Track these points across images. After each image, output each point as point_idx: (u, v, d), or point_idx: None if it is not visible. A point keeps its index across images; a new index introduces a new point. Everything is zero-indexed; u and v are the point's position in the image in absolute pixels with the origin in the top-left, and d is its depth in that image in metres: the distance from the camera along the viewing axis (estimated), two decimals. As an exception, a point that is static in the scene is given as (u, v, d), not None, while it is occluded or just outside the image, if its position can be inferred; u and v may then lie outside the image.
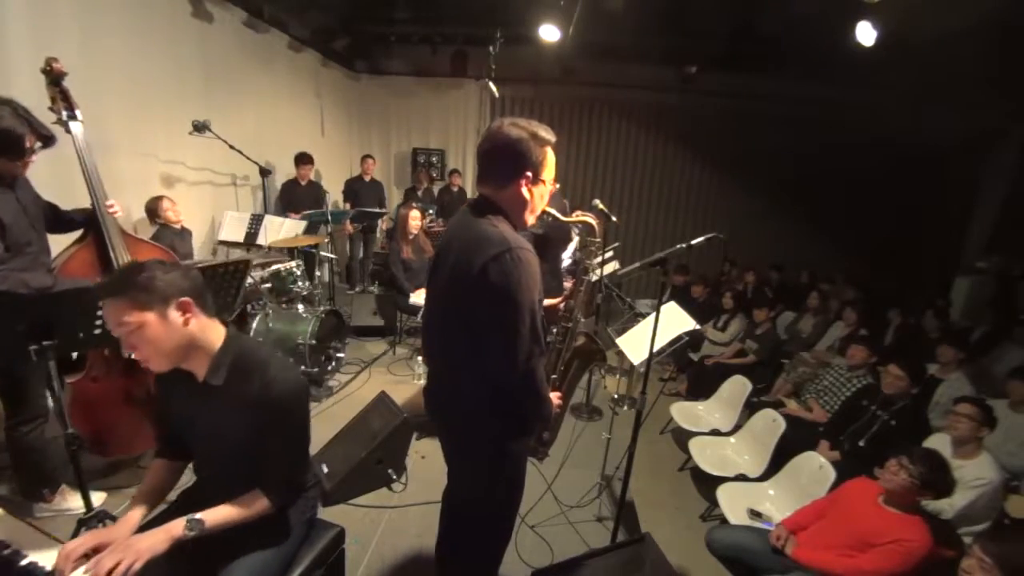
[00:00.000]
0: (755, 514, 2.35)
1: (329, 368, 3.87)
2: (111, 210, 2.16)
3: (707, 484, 2.76)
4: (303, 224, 4.49)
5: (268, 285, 3.60)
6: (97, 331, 1.72)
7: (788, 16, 4.84)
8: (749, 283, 5.69)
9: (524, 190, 1.35)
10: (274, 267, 3.69)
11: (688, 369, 4.53)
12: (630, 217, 7.35)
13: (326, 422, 3.15)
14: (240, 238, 4.29)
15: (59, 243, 2.22)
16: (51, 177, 2.50)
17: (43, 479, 2.20)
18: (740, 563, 2.03)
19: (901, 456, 1.88)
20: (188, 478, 1.51)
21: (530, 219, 1.42)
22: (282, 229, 4.34)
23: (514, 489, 1.56)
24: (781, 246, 7.21)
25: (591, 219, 1.76)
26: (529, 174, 1.33)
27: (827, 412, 3.21)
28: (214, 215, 4.53)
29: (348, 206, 6.01)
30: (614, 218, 3.25)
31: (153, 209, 3.52)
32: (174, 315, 1.20)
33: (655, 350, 2.06)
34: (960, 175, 6.58)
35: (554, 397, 1.53)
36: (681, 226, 7.44)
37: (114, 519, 1.34)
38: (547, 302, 1.87)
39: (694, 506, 2.82)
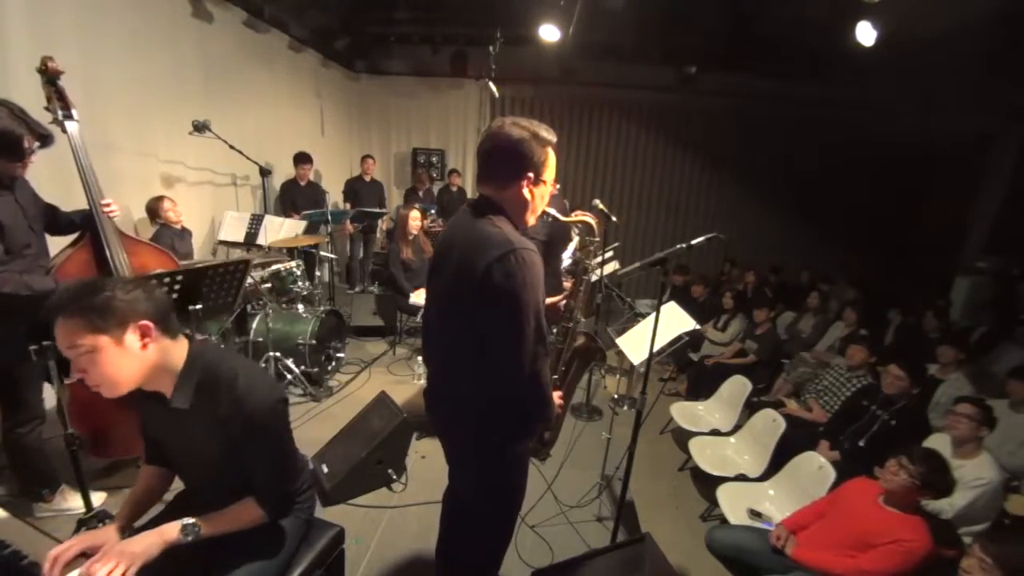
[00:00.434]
0: (755, 514, 2.35)
1: (329, 368, 3.87)
2: (108, 210, 2.15)
3: (707, 484, 2.76)
4: (303, 224, 4.49)
5: (268, 285, 3.60)
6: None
7: (788, 16, 4.84)
8: (749, 283, 5.69)
9: (525, 191, 1.34)
10: (274, 267, 3.69)
11: (688, 369, 4.53)
12: (630, 217, 7.35)
13: (326, 422, 3.16)
14: (240, 238, 4.29)
15: (56, 245, 2.22)
16: (49, 178, 2.50)
17: (42, 479, 2.20)
18: (740, 563, 2.03)
19: (901, 456, 1.88)
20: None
21: (531, 219, 1.41)
22: (282, 229, 4.34)
23: (516, 490, 1.55)
24: (781, 246, 7.22)
25: (591, 219, 1.75)
26: (531, 175, 1.32)
27: (827, 412, 3.21)
28: (214, 215, 4.53)
29: (348, 206, 6.01)
30: (614, 218, 3.26)
31: (154, 209, 3.52)
32: (131, 339, 1.11)
33: (655, 350, 2.05)
34: (960, 175, 6.57)
35: (556, 397, 1.52)
36: (681, 226, 7.44)
37: (113, 519, 1.33)
38: (548, 301, 1.88)
39: (694, 506, 2.82)
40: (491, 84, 5.87)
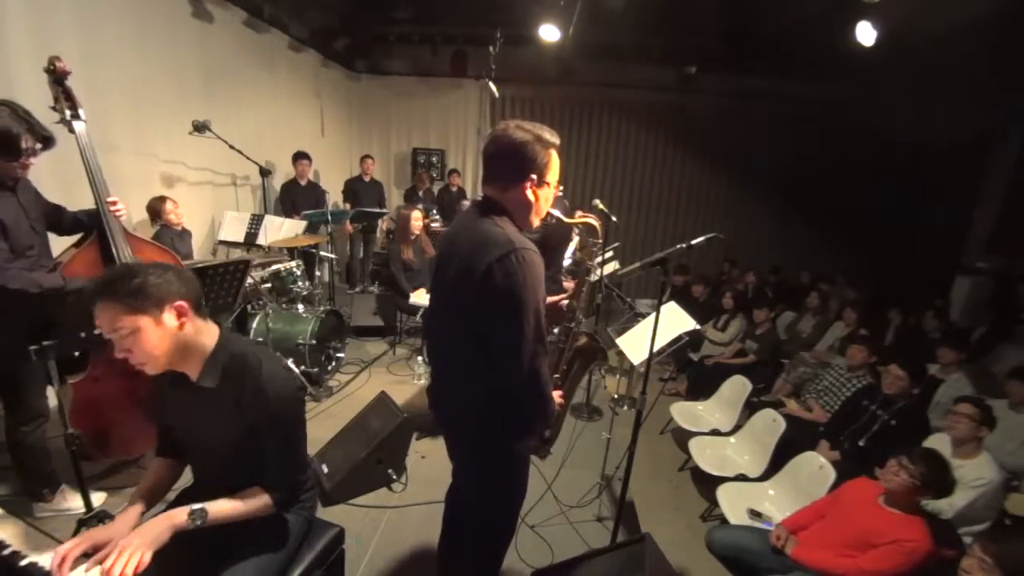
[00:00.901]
0: (755, 514, 2.35)
1: (329, 368, 3.87)
2: (114, 209, 2.15)
3: (707, 484, 2.76)
4: (303, 224, 4.49)
5: (268, 285, 3.60)
6: (98, 331, 1.72)
7: (788, 16, 4.85)
8: (749, 283, 5.69)
9: (528, 192, 1.36)
10: (274, 267, 3.69)
11: (688, 369, 4.53)
12: (630, 217, 7.34)
13: (326, 422, 3.15)
14: (240, 238, 4.29)
15: (59, 246, 2.22)
16: (54, 178, 2.51)
17: (43, 479, 2.20)
18: (740, 563, 2.03)
19: (901, 456, 1.89)
20: (187, 479, 1.51)
21: (535, 221, 1.43)
22: (282, 229, 4.34)
23: (517, 487, 1.56)
24: (781, 246, 7.22)
25: (593, 221, 1.76)
26: (534, 176, 1.34)
27: (827, 412, 3.21)
28: (214, 215, 4.53)
29: (348, 206, 6.02)
30: (614, 218, 3.26)
31: (155, 210, 3.52)
32: (169, 319, 1.18)
33: (655, 350, 2.06)
34: (960, 175, 6.57)
35: (556, 396, 1.53)
36: (681, 226, 7.44)
37: (114, 519, 1.33)
38: (549, 299, 1.88)
39: (694, 506, 2.82)
40: (491, 84, 5.88)
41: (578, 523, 2.54)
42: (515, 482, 1.54)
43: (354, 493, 2.55)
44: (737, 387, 3.42)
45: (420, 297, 3.87)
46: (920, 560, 1.72)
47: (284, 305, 3.75)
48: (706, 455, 2.89)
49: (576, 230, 4.04)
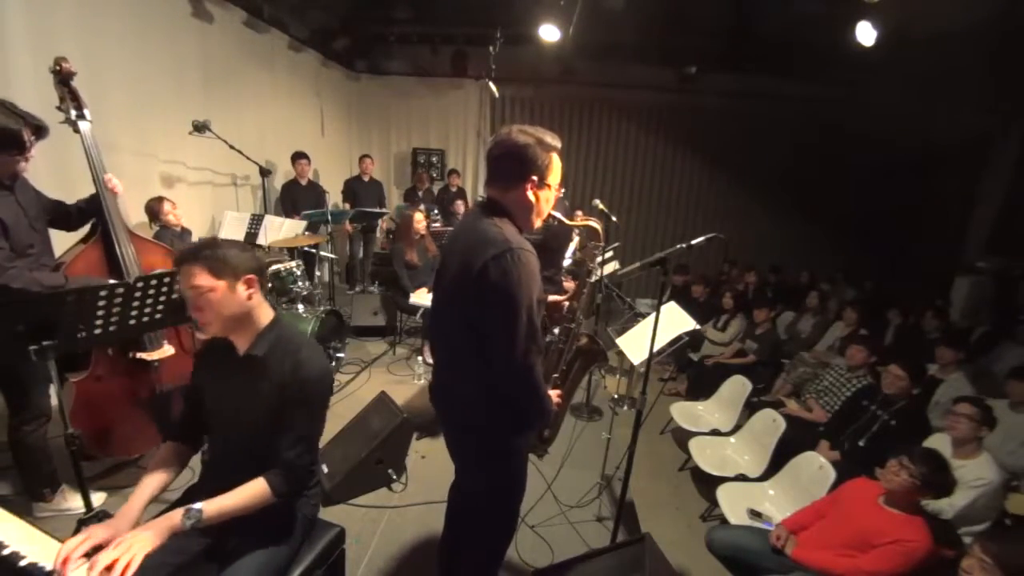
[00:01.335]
0: (755, 514, 2.35)
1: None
2: (111, 186, 2.18)
3: (707, 484, 2.76)
4: (303, 224, 4.48)
5: (268, 285, 3.60)
6: (98, 330, 1.72)
7: (788, 16, 4.85)
8: (749, 283, 5.68)
9: (529, 193, 1.38)
10: (274, 267, 3.69)
11: (688, 369, 4.53)
12: (630, 217, 7.33)
13: (326, 422, 3.15)
14: (240, 238, 4.28)
15: (61, 246, 2.22)
16: (53, 176, 2.51)
17: (44, 479, 2.20)
18: (740, 563, 2.03)
19: (901, 456, 1.88)
20: (190, 478, 1.51)
21: (536, 222, 1.46)
22: (282, 229, 4.34)
23: (516, 484, 1.58)
24: (781, 246, 7.21)
25: (595, 224, 1.77)
26: (535, 178, 1.37)
27: (827, 412, 3.21)
28: (214, 215, 4.53)
29: (348, 206, 6.02)
30: (614, 218, 3.26)
31: (154, 210, 3.51)
32: (241, 288, 1.33)
33: (655, 350, 2.06)
34: (960, 175, 6.57)
35: (554, 395, 1.55)
36: (681, 226, 7.43)
37: (114, 517, 1.33)
38: (551, 298, 1.89)
39: (694, 506, 2.82)
40: (491, 84, 5.88)
41: (578, 523, 2.54)
42: (515, 479, 1.55)
43: (354, 493, 2.55)
44: (737, 387, 3.42)
45: (420, 297, 3.87)
46: (920, 560, 1.72)
47: (284, 305, 3.75)
48: (706, 455, 2.89)
49: (577, 231, 4.04)
